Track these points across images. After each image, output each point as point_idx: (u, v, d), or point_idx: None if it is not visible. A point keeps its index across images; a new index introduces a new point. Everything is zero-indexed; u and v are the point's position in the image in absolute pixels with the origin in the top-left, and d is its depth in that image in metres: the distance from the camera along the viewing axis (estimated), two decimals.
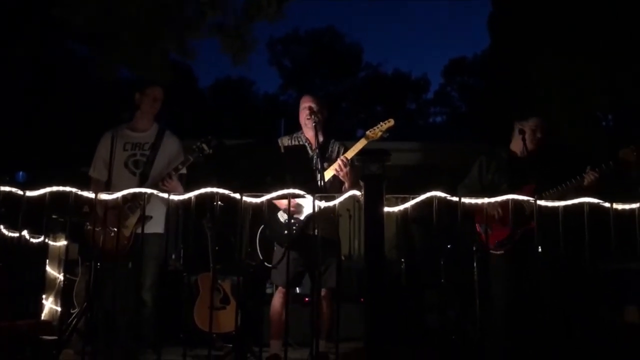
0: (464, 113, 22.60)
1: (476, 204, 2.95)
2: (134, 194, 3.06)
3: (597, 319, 4.01)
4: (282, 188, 2.83)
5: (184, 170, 3.63)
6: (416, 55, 45.92)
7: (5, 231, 3.91)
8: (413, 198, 2.76)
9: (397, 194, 2.73)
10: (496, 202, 3.04)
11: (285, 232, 3.50)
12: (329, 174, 3.53)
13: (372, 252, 2.49)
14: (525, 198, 2.93)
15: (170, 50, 7.37)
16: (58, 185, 2.76)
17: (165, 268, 5.19)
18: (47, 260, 4.21)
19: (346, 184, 3.56)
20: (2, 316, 3.44)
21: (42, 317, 4.13)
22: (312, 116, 3.65)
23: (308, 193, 2.84)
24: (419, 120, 24.34)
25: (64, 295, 4.09)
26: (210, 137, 3.56)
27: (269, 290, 5.14)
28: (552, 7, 8.33)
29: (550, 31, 8.32)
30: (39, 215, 2.94)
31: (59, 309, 4.05)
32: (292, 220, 3.49)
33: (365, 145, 3.54)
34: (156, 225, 3.55)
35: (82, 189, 2.88)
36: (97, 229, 3.06)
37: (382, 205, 2.51)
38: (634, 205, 2.79)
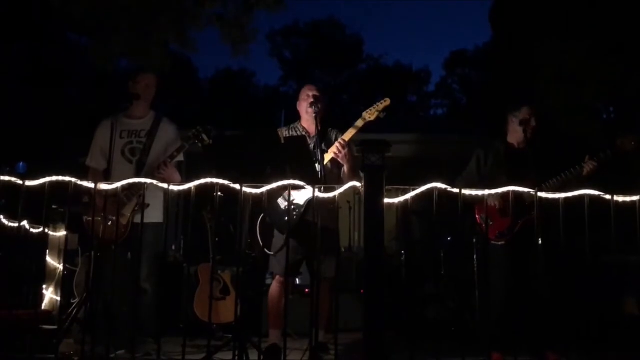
0: (464, 105, 22.55)
1: (476, 196, 2.95)
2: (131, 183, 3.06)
3: (596, 310, 4.02)
4: (282, 179, 2.83)
5: (181, 158, 3.60)
6: (417, 47, 45.82)
7: (5, 221, 3.91)
8: (413, 189, 2.75)
9: (397, 186, 2.73)
10: (497, 193, 3.04)
11: (286, 218, 3.49)
12: (328, 157, 3.53)
13: (372, 243, 2.49)
14: (525, 190, 2.93)
15: (169, 41, 7.33)
16: (57, 175, 2.76)
17: (165, 259, 5.21)
18: (47, 251, 4.21)
19: (345, 167, 3.55)
20: (2, 306, 3.44)
21: (43, 307, 4.14)
22: (314, 105, 3.64)
23: (308, 184, 2.83)
24: (420, 112, 24.29)
25: (64, 285, 4.09)
26: (210, 128, 3.53)
27: (268, 281, 5.14)
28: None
29: (551, 23, 8.30)
30: (39, 206, 2.94)
31: (59, 299, 4.05)
32: (292, 207, 3.46)
33: (363, 126, 3.54)
34: (153, 214, 3.49)
35: (81, 179, 2.88)
36: (97, 219, 3.05)
37: (383, 197, 2.51)
38: (635, 198, 2.79)
